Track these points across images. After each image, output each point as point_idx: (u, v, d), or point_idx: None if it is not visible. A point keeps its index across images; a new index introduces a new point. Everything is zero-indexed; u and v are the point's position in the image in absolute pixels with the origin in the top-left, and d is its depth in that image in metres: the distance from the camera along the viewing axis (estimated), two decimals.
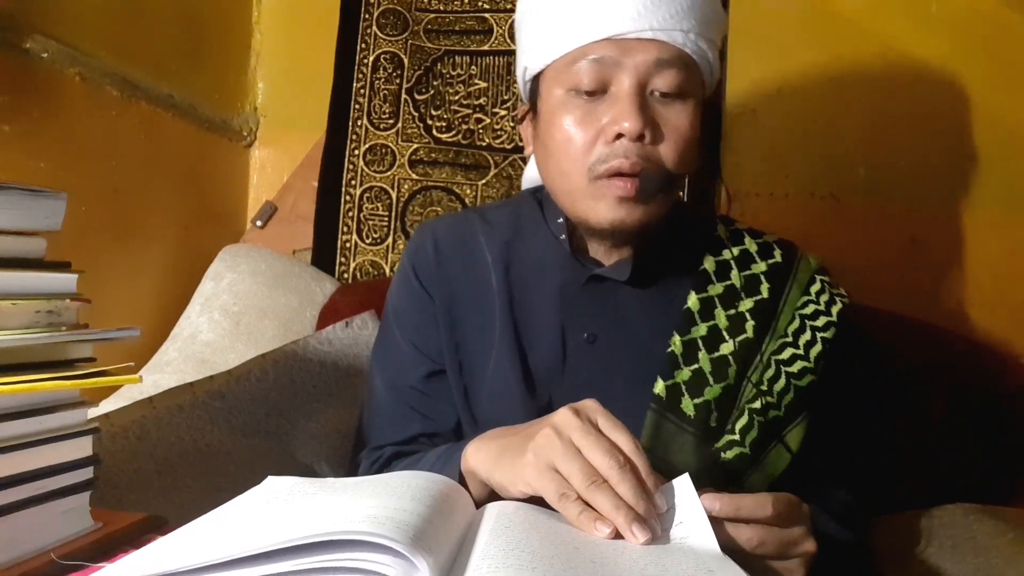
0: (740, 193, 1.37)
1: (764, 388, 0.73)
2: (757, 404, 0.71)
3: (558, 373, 0.77)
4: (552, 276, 0.79)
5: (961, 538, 0.84)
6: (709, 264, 0.79)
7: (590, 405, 0.57)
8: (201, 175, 1.41)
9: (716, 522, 0.51)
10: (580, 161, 0.71)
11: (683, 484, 0.53)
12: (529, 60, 0.76)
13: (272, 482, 0.54)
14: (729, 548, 0.51)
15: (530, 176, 0.89)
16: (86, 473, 0.52)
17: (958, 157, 1.31)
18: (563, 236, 0.79)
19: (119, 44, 1.17)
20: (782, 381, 0.73)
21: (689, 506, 0.51)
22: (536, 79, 0.77)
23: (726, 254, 0.80)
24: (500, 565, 0.40)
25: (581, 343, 0.77)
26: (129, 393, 1.01)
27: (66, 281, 0.52)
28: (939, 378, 1.11)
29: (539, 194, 0.85)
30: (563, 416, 0.55)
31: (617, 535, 0.48)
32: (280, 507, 0.48)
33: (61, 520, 0.50)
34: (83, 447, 0.52)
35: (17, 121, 0.98)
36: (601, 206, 0.71)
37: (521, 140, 0.86)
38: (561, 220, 0.79)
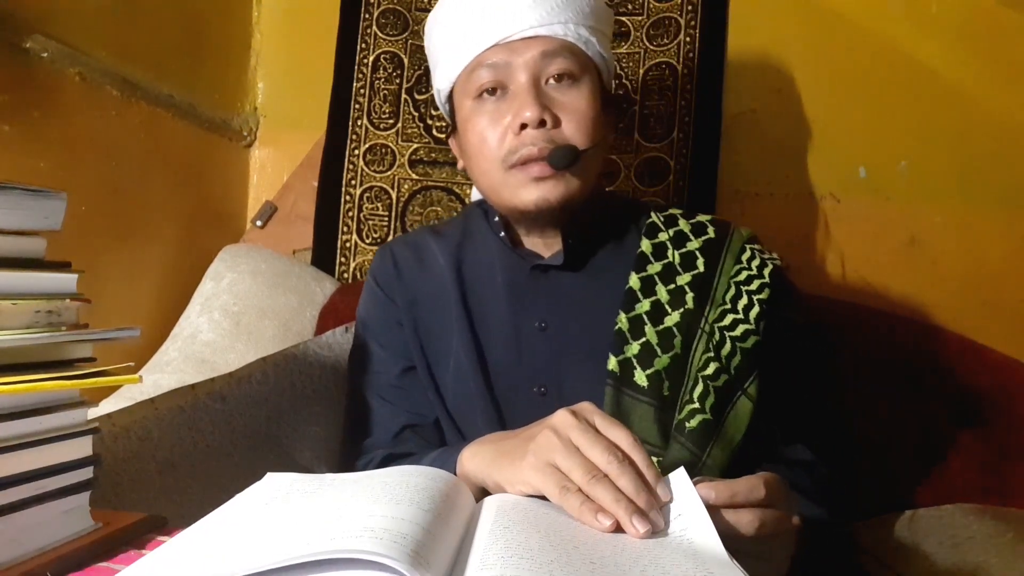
0: (740, 193, 1.37)
1: (711, 355, 0.76)
2: (709, 370, 0.75)
3: (515, 362, 0.82)
4: (499, 272, 0.86)
5: (961, 538, 0.84)
6: (646, 246, 0.84)
7: (586, 406, 0.59)
8: (201, 175, 1.41)
9: (714, 511, 0.51)
10: (495, 156, 0.78)
11: (679, 477, 0.53)
12: (439, 82, 0.86)
13: (272, 479, 0.54)
14: (730, 535, 0.52)
15: (477, 191, 0.95)
16: (86, 473, 0.52)
17: (958, 157, 1.31)
18: (502, 233, 0.86)
19: (119, 44, 1.17)
20: (728, 346, 0.76)
21: (687, 498, 0.51)
22: (450, 98, 0.86)
23: (662, 236, 0.85)
24: (500, 574, 0.40)
25: (533, 331, 0.82)
26: (129, 393, 1.01)
27: (66, 281, 0.52)
28: (938, 378, 1.11)
29: (484, 204, 0.91)
30: (561, 417, 0.57)
31: (618, 528, 0.49)
32: (280, 509, 0.48)
33: (61, 520, 0.50)
34: (83, 447, 0.52)
35: (17, 121, 0.98)
36: (522, 192, 0.78)
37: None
38: (498, 219, 0.87)
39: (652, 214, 0.88)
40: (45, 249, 0.52)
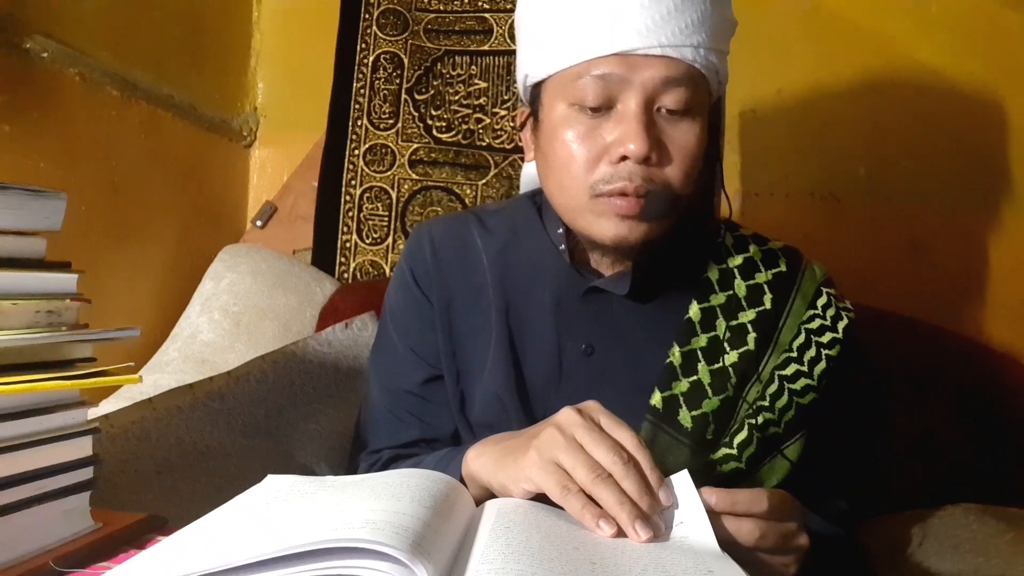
0: (740, 193, 1.37)
1: (765, 404, 0.71)
2: (758, 420, 0.71)
3: (553, 384, 0.75)
4: (548, 285, 0.78)
5: (961, 538, 0.84)
6: (712, 273, 0.77)
7: (592, 405, 0.57)
8: (201, 175, 1.41)
9: (715, 518, 0.51)
10: (582, 179, 0.69)
11: (682, 480, 0.53)
12: (530, 67, 0.74)
13: (272, 481, 0.54)
14: (729, 543, 0.51)
15: (528, 177, 0.87)
16: (86, 473, 0.52)
17: (958, 157, 1.31)
18: (563, 247, 0.77)
19: (119, 44, 1.17)
20: (784, 398, 0.72)
21: (690, 505, 0.51)
22: (538, 87, 0.74)
23: (730, 262, 0.78)
24: (500, 569, 0.40)
25: (578, 355, 0.75)
26: (129, 393, 1.01)
27: (66, 281, 0.52)
28: (939, 378, 1.11)
29: (537, 199, 0.83)
30: (566, 415, 0.56)
31: (620, 533, 0.48)
32: (280, 508, 0.48)
33: (61, 520, 0.50)
34: (83, 447, 0.52)
35: (17, 121, 0.98)
36: (603, 222, 0.69)
37: (521, 142, 0.84)
38: (561, 230, 0.77)
39: (723, 234, 0.80)
40: (45, 249, 0.52)
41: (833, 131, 1.35)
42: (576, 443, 0.53)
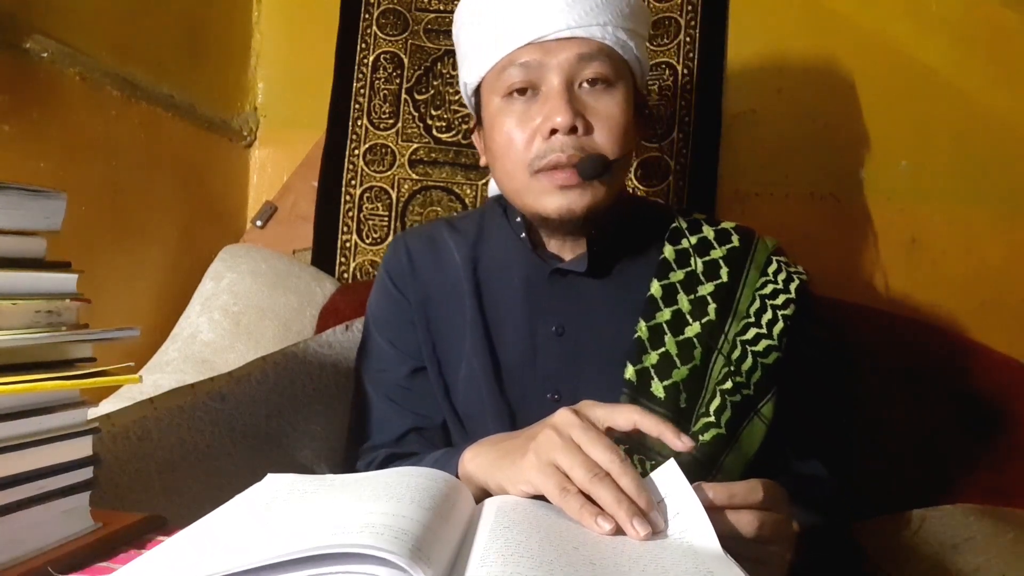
0: (740, 193, 1.37)
1: (732, 369, 0.75)
2: (727, 385, 0.74)
3: (529, 366, 0.80)
4: (517, 273, 0.83)
5: (961, 538, 0.84)
6: (669, 253, 0.82)
7: (587, 404, 0.58)
8: (201, 175, 1.41)
9: (714, 512, 0.51)
10: (521, 159, 0.75)
11: (671, 471, 0.53)
12: (467, 76, 0.82)
13: (272, 480, 0.54)
14: (730, 536, 0.52)
15: (495, 186, 0.92)
16: (86, 473, 0.52)
17: (958, 157, 1.31)
18: (523, 234, 0.83)
19: (119, 44, 1.17)
20: (749, 360, 0.75)
21: (682, 496, 0.51)
22: (477, 92, 0.82)
23: (685, 243, 0.83)
24: (500, 572, 0.40)
25: (550, 336, 0.80)
26: (129, 393, 1.01)
27: (66, 281, 0.52)
28: (939, 378, 1.11)
29: (503, 200, 0.88)
30: (562, 416, 0.57)
31: (618, 531, 0.48)
32: (280, 508, 0.48)
33: (61, 520, 0.50)
34: (83, 447, 0.52)
35: (17, 121, 0.98)
36: (546, 198, 0.75)
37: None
38: (520, 219, 0.83)
39: (676, 219, 0.86)
40: (45, 249, 0.52)
41: (833, 131, 1.35)
42: (573, 443, 0.54)
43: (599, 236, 0.80)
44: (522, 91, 0.76)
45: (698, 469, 0.70)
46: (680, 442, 0.54)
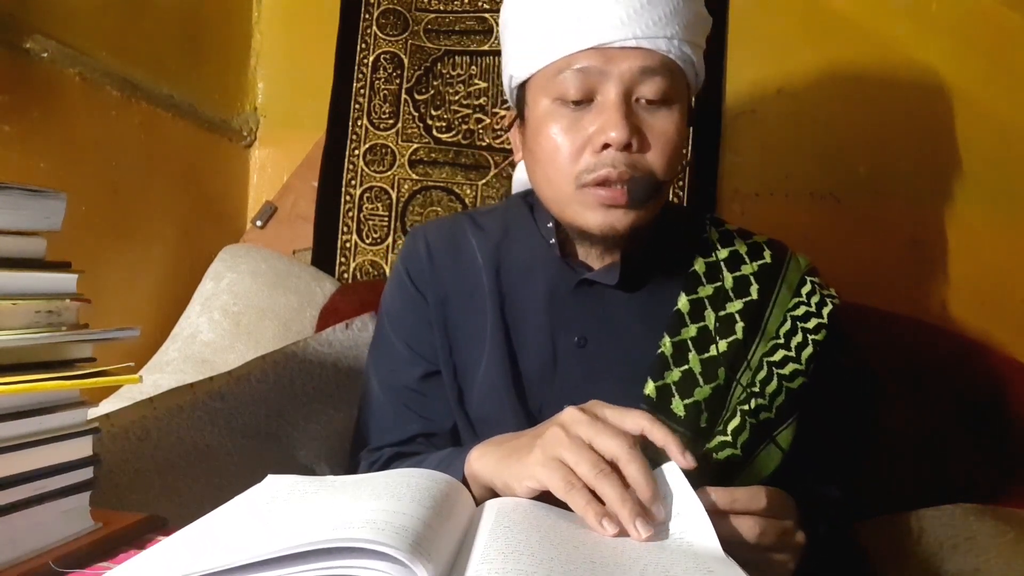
0: (740, 193, 1.37)
1: (756, 390, 0.73)
2: (749, 406, 0.72)
3: (549, 376, 0.77)
4: (542, 279, 0.80)
5: (961, 538, 0.84)
6: (699, 266, 0.79)
7: (595, 403, 0.58)
8: (201, 175, 1.41)
9: (716, 516, 0.51)
10: (567, 170, 0.71)
11: (673, 472, 0.53)
12: (514, 68, 0.76)
13: (272, 480, 0.54)
14: (730, 541, 0.52)
15: (520, 180, 0.89)
16: (86, 473, 0.52)
17: (958, 157, 1.31)
18: (552, 240, 0.79)
19: (119, 44, 1.17)
20: (774, 383, 0.73)
21: (684, 497, 0.51)
22: (522, 87, 0.77)
23: (716, 255, 0.80)
24: (500, 569, 0.40)
25: (571, 347, 0.77)
26: (129, 393, 1.01)
27: (66, 281, 0.52)
28: (939, 378, 1.11)
29: (530, 198, 0.85)
30: (569, 413, 0.56)
31: (622, 532, 0.48)
32: (281, 508, 0.48)
33: (61, 520, 0.50)
34: (83, 447, 0.52)
35: (17, 121, 0.98)
36: (590, 213, 0.71)
37: (510, 144, 0.86)
38: (551, 224, 0.79)
39: (708, 229, 0.83)
40: (45, 249, 0.52)
41: (833, 131, 1.35)
42: (580, 440, 0.54)
43: (634, 249, 0.77)
44: (577, 102, 0.70)
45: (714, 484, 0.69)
46: (683, 459, 0.53)
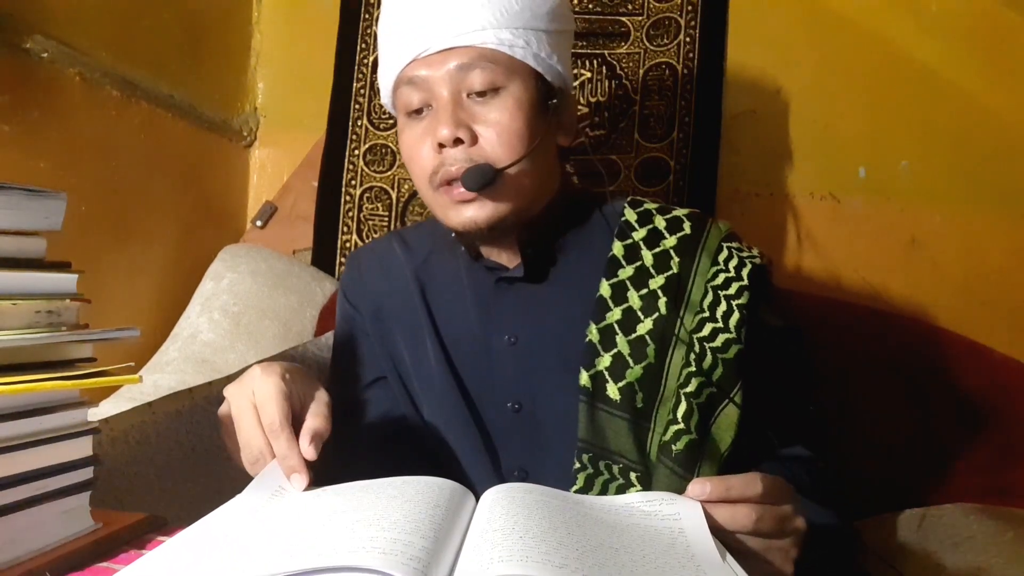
0: (740, 193, 1.37)
1: (693, 369, 0.72)
2: (691, 387, 0.71)
3: (486, 379, 0.80)
4: (466, 286, 0.83)
5: (961, 538, 0.84)
6: (617, 249, 0.79)
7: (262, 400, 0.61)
8: (201, 175, 1.41)
9: (710, 505, 0.52)
10: (423, 176, 0.76)
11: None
12: (383, 98, 0.83)
13: (274, 469, 0.55)
14: (727, 529, 0.52)
15: None
16: (86, 473, 0.52)
17: (958, 157, 1.31)
18: (461, 248, 0.83)
19: (119, 44, 1.17)
20: (709, 358, 0.72)
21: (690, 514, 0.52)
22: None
23: (635, 236, 0.80)
24: (503, 543, 0.41)
25: (504, 346, 0.80)
26: (129, 393, 1.01)
27: (66, 281, 0.52)
28: (939, 379, 1.11)
29: None
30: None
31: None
32: (281, 507, 0.48)
33: (61, 520, 0.50)
34: (83, 447, 0.52)
35: (17, 121, 0.98)
36: (450, 212, 0.75)
37: None
38: (454, 233, 0.82)
39: (625, 211, 0.82)
40: (45, 249, 0.52)
41: (833, 131, 1.35)
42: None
43: (531, 240, 0.79)
44: (418, 111, 0.76)
45: (677, 481, 0.67)
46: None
